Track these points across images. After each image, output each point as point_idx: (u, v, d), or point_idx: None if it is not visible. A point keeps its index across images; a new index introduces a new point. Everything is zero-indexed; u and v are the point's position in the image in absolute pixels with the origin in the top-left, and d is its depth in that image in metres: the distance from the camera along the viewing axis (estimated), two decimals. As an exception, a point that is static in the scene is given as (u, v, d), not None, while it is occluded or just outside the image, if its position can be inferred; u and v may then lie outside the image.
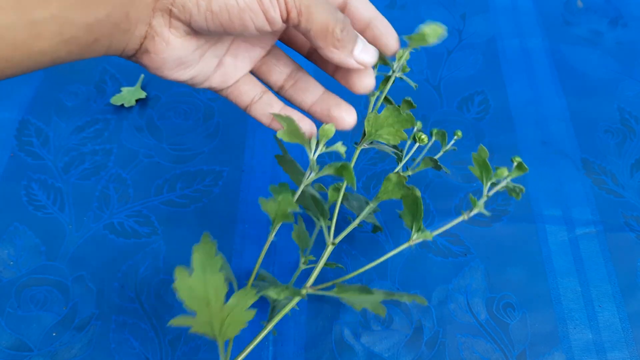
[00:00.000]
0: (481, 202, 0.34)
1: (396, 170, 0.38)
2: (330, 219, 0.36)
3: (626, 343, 0.41)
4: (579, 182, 0.49)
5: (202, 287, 0.29)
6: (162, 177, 0.49)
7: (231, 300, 0.30)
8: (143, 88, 0.54)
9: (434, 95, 0.54)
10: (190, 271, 0.29)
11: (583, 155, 0.51)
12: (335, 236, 0.36)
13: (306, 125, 0.35)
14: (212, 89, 0.35)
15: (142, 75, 0.55)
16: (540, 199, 0.48)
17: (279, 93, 0.37)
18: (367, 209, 0.37)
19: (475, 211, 0.34)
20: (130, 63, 0.56)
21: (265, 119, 0.36)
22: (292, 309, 0.42)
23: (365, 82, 0.34)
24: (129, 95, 0.53)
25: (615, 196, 0.48)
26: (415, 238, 0.35)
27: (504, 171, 0.33)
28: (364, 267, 0.36)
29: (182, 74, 0.33)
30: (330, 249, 0.36)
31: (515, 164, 0.34)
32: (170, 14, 0.29)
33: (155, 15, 0.29)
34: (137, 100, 0.53)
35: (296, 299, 0.35)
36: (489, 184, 0.34)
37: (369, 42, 0.34)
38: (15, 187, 0.48)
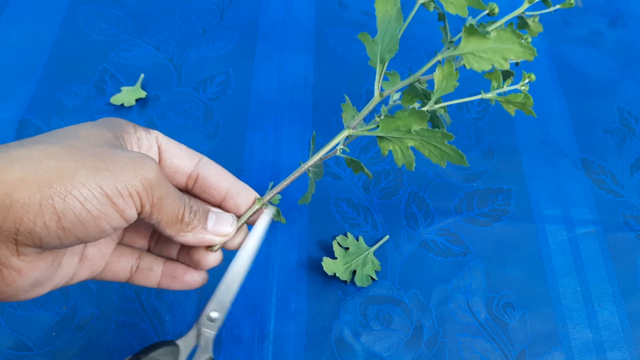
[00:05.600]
0: None
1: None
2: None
3: (626, 342, 0.41)
4: (578, 181, 0.49)
5: None
6: (162, 177, 0.49)
7: None
8: (143, 87, 0.54)
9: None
10: None
11: (583, 155, 0.51)
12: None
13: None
14: (82, 280, 0.32)
15: (142, 75, 0.55)
16: (540, 198, 0.48)
17: (150, 252, 0.35)
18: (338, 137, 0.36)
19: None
20: (129, 62, 0.56)
21: (151, 284, 0.34)
22: (293, 308, 0.42)
23: (211, 259, 0.33)
24: (128, 94, 0.53)
25: (614, 196, 0.48)
26: None
27: None
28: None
29: (40, 291, 0.29)
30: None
31: None
32: (17, 242, 0.25)
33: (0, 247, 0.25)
34: (136, 100, 0.53)
35: None
36: None
37: (232, 212, 0.33)
38: (15, 187, 0.48)
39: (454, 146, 0.33)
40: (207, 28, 0.59)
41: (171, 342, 0.32)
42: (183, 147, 0.34)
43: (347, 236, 0.45)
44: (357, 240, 0.45)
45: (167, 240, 0.35)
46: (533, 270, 0.44)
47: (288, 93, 0.54)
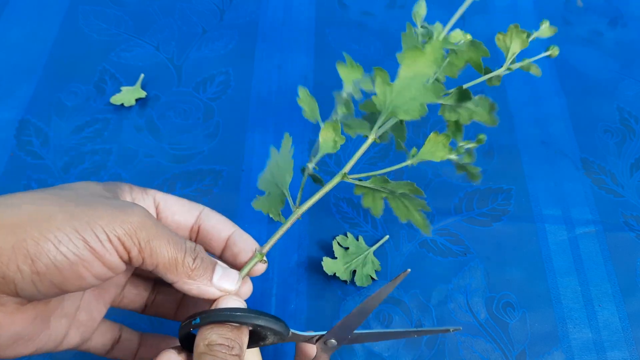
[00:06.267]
0: None
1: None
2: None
3: (626, 342, 0.41)
4: (578, 181, 0.49)
5: (269, 173, 0.37)
6: (161, 177, 0.49)
7: (274, 160, 0.37)
8: (143, 87, 0.54)
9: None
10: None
11: (583, 155, 0.51)
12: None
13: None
14: (72, 348, 0.31)
15: (142, 75, 0.55)
16: (540, 198, 0.48)
17: (143, 313, 0.35)
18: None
19: None
20: (129, 62, 0.56)
21: (129, 358, 0.34)
22: (293, 308, 0.42)
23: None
24: (128, 94, 0.53)
25: (614, 196, 0.48)
26: None
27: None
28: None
29: (23, 350, 0.28)
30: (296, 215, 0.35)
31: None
32: None
33: None
34: (136, 100, 0.53)
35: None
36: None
37: (230, 262, 0.32)
38: (15, 187, 0.48)
39: (423, 214, 0.39)
40: (207, 28, 0.59)
41: (282, 322, 0.31)
42: (183, 201, 0.33)
43: (347, 236, 0.45)
44: (357, 240, 0.45)
45: (164, 298, 0.34)
46: (533, 270, 0.44)
47: (288, 93, 0.54)
